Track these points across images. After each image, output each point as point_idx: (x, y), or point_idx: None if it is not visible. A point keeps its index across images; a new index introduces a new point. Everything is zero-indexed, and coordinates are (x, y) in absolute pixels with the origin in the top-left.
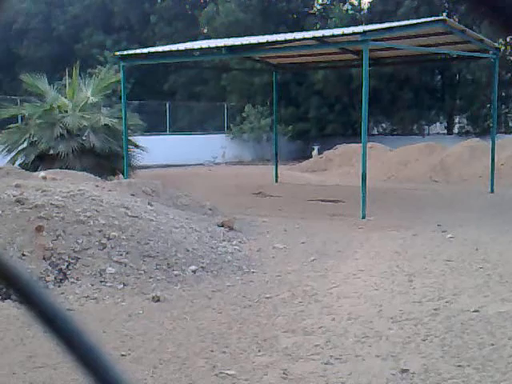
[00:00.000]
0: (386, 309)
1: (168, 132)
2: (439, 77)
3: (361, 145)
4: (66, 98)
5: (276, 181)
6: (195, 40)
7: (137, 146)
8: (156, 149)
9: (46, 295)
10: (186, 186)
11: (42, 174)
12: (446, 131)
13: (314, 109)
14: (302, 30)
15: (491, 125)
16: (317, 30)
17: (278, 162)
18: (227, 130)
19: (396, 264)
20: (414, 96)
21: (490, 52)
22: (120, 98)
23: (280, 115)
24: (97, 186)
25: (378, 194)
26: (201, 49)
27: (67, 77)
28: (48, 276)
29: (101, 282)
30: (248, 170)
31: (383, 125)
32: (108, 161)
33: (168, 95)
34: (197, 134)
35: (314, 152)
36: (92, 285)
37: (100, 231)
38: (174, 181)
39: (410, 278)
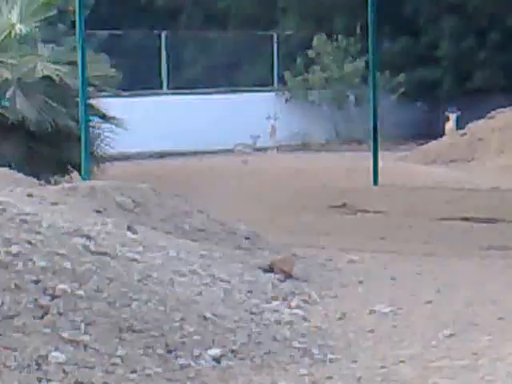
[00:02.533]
0: None
1: (165, 90)
2: None
3: None
4: None
5: (375, 182)
6: None
7: (106, 118)
8: (143, 123)
9: None
10: (201, 193)
11: None
12: None
13: (448, 39)
14: None
15: None
16: None
17: (380, 144)
18: (278, 84)
19: None
20: None
21: None
22: (73, 25)
23: (382, 53)
24: (30, 195)
25: None
26: None
27: None
28: None
29: (39, 379)
30: (320, 162)
31: None
32: (51, 146)
33: (164, 19)
34: (220, 93)
35: (450, 124)
36: None
37: (36, 282)
38: (177, 183)
39: None
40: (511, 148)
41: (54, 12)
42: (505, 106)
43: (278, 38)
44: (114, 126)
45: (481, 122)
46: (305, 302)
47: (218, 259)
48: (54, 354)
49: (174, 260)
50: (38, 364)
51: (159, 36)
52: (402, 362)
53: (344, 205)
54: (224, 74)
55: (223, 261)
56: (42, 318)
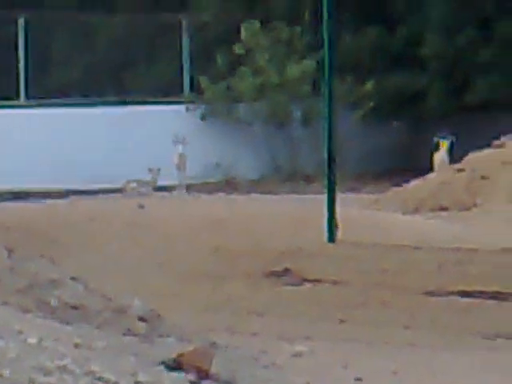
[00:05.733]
0: None
1: (23, 101)
2: None
3: None
4: None
5: (331, 238)
6: None
7: None
8: None
9: None
10: (76, 253)
11: None
12: None
13: (437, 32)
14: None
15: None
16: None
17: (339, 183)
18: (191, 93)
19: None
20: None
21: None
22: None
23: (342, 51)
24: None
25: None
26: None
27: None
28: None
29: None
30: (251, 209)
31: None
32: None
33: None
34: (105, 105)
35: (440, 154)
36: None
37: None
38: (38, 239)
39: None
40: None
41: None
42: None
43: (189, 26)
44: None
45: (485, 152)
46: None
47: (101, 350)
48: None
49: (35, 351)
50: None
51: (15, 21)
52: None
53: (286, 271)
54: (111, 78)
55: (108, 353)
56: None
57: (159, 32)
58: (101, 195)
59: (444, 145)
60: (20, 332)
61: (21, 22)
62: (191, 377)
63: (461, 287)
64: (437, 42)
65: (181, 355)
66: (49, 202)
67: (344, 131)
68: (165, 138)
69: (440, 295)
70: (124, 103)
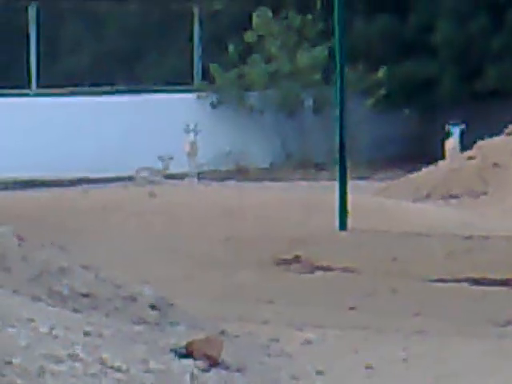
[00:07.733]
0: None
1: (34, 89)
2: None
3: None
4: None
5: (342, 226)
6: None
7: None
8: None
9: None
10: (87, 241)
11: None
12: None
13: (448, 19)
14: None
15: None
16: None
17: (350, 171)
18: (202, 81)
19: None
20: None
21: None
22: None
23: (353, 39)
24: None
25: None
26: None
27: None
28: None
29: None
30: (262, 197)
31: None
32: None
33: None
34: (116, 93)
35: (451, 142)
36: None
37: None
38: (49, 227)
39: None
40: None
41: None
42: None
43: (200, 14)
44: None
45: (497, 139)
46: None
47: (111, 338)
48: None
49: (46, 339)
50: None
51: (26, 8)
52: None
53: (297, 259)
54: (122, 67)
55: (118, 341)
56: None
57: (170, 20)
58: (112, 184)
59: (455, 133)
60: (31, 320)
61: (32, 10)
62: (201, 364)
63: (471, 274)
64: (448, 29)
65: (191, 343)
66: (60, 190)
67: (355, 119)
68: (176, 127)
69: (449, 282)
70: (135, 92)
